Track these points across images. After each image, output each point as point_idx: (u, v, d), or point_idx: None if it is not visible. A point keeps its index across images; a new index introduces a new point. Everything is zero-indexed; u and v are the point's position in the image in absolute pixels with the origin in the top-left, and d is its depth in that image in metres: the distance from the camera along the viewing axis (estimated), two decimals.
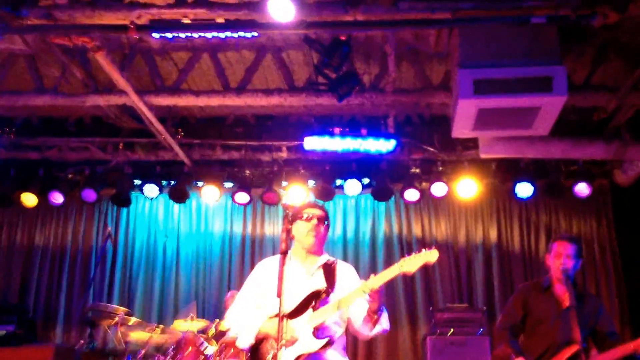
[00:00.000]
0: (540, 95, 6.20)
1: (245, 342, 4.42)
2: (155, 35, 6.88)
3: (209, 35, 6.87)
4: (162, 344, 8.09)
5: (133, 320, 7.66)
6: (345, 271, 4.64)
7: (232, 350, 7.11)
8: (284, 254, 4.00)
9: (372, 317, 4.27)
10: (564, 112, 6.70)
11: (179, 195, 9.71)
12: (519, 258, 9.97)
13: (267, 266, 4.68)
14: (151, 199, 9.78)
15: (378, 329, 4.36)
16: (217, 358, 7.16)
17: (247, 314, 4.54)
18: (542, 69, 6.12)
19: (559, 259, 5.34)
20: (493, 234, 10.11)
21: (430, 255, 4.20)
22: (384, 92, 7.62)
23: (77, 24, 6.27)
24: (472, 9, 5.84)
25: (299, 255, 4.62)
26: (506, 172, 9.27)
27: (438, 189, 9.16)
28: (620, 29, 6.63)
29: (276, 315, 3.89)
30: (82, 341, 7.14)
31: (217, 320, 7.99)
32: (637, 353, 5.05)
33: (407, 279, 9.92)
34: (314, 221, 4.53)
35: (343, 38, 6.43)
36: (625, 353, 5.07)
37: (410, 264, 4.20)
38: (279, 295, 3.82)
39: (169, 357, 7.33)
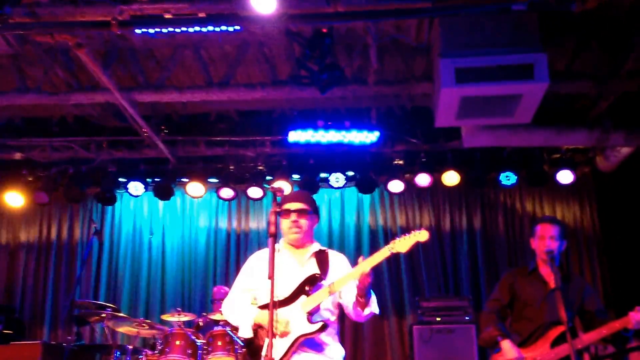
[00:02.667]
0: (522, 82, 6.27)
1: (245, 333, 4.50)
2: (138, 31, 6.88)
3: (191, 30, 6.87)
4: (150, 338, 8.12)
5: (120, 315, 7.66)
6: (337, 259, 4.68)
7: (219, 343, 7.16)
8: (273, 236, 4.03)
9: (360, 301, 4.32)
10: (546, 100, 6.76)
11: (164, 192, 9.72)
12: (504, 246, 10.06)
13: (258, 257, 4.73)
14: (136, 196, 9.76)
15: (367, 312, 4.41)
16: (206, 351, 7.20)
17: (241, 305, 4.59)
18: (523, 57, 6.18)
19: (543, 240, 5.43)
20: (477, 223, 10.19)
21: (420, 235, 4.27)
22: (366, 84, 7.64)
23: (59, 22, 6.25)
24: None
25: (290, 248, 4.66)
26: (490, 161, 9.31)
27: (422, 179, 9.22)
28: (600, 17, 6.70)
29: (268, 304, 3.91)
30: (69, 337, 7.13)
31: (204, 314, 8.01)
32: (626, 329, 5.13)
33: (393, 269, 10.02)
34: (293, 217, 4.56)
35: (325, 30, 6.45)
36: (612, 331, 5.15)
37: (401, 245, 4.26)
38: (270, 277, 3.86)
39: (157, 351, 7.36)
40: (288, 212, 4.55)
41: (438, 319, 8.49)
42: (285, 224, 4.57)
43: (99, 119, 8.73)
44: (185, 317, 7.77)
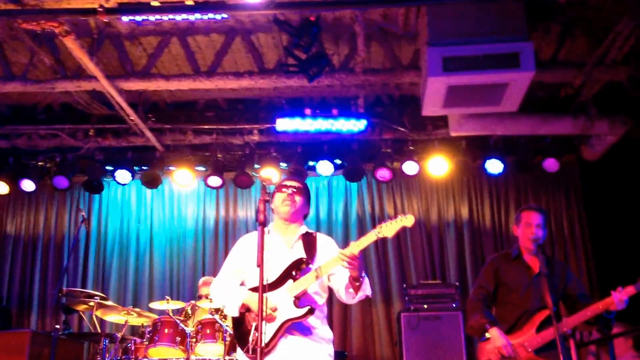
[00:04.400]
0: (509, 71, 6.32)
1: (231, 312, 4.52)
2: (125, 18, 6.85)
3: (178, 17, 6.85)
4: (139, 327, 8.12)
5: (108, 304, 7.65)
6: (325, 242, 4.71)
7: (208, 331, 7.17)
8: (262, 224, 4.05)
9: (354, 284, 4.33)
10: (531, 89, 6.82)
11: (151, 181, 9.70)
12: (490, 234, 10.10)
13: (247, 240, 4.75)
14: (123, 184, 9.72)
15: (361, 295, 4.42)
16: (194, 339, 7.21)
17: (229, 286, 4.61)
18: (509, 45, 6.22)
19: (530, 228, 5.49)
20: (464, 211, 10.22)
21: (407, 220, 4.27)
22: (353, 73, 7.66)
23: (45, 9, 6.22)
24: None
25: (279, 228, 4.68)
26: (476, 149, 9.34)
27: (409, 168, 9.23)
28: (585, 6, 6.74)
29: (257, 287, 3.92)
30: (57, 326, 7.13)
31: (192, 302, 8.02)
32: (608, 310, 5.18)
33: (381, 257, 10.04)
34: (289, 191, 4.60)
35: (312, 18, 6.46)
36: (595, 313, 5.21)
37: (387, 229, 4.27)
38: (259, 265, 3.87)
39: (145, 339, 7.38)
40: (285, 187, 4.62)
41: (425, 306, 8.52)
42: (279, 197, 4.61)
43: (86, 107, 8.70)
44: (174, 305, 7.78)
